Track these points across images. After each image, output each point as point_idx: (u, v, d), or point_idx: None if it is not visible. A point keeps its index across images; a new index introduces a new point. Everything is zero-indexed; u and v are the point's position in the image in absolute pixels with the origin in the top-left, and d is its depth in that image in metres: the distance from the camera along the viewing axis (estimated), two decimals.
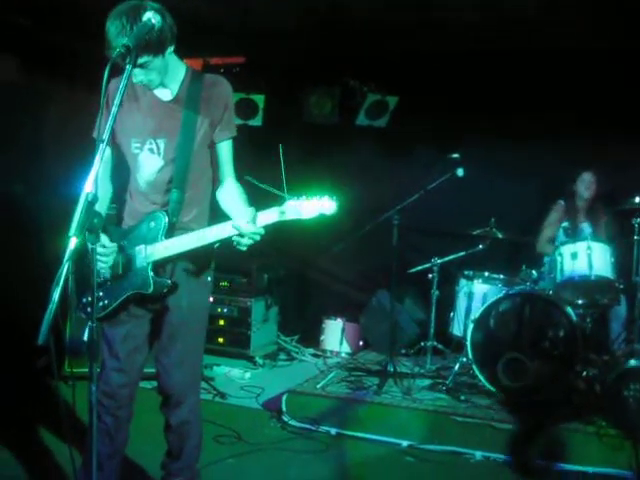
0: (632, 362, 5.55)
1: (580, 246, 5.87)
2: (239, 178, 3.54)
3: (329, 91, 7.89)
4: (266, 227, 3.10)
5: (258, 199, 3.39)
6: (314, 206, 3.04)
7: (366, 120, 7.82)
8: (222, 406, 6.03)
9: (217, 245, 3.35)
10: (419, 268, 6.75)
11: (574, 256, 5.84)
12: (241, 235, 3.07)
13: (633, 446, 5.02)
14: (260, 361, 7.37)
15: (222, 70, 7.58)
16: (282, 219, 3.06)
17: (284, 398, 5.80)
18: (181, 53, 3.36)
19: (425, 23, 6.59)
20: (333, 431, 5.48)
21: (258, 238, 3.08)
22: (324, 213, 3.06)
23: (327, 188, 3.15)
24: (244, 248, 3.11)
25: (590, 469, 5.00)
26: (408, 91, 7.63)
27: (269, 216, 3.08)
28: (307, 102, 7.93)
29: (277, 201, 3.10)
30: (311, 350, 7.81)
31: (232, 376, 6.93)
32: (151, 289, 3.30)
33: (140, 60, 2.99)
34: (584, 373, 5.87)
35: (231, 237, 3.13)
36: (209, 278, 3.56)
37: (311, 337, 7.88)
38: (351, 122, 7.86)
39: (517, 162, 7.32)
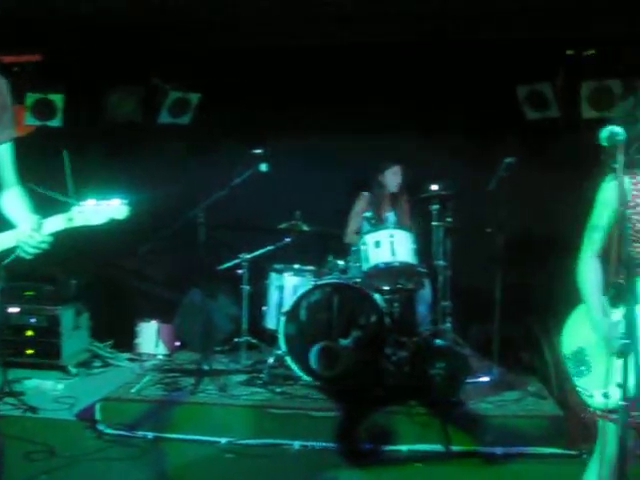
0: (437, 342, 5.85)
1: (383, 234, 6.06)
2: (29, 181, 3.36)
3: (131, 89, 7.72)
4: (55, 234, 2.96)
5: (49, 204, 3.25)
6: (103, 211, 2.92)
7: (169, 118, 7.70)
8: (34, 421, 5.76)
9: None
10: (228, 264, 6.74)
11: (377, 244, 6.02)
12: (26, 244, 2.93)
13: (441, 421, 5.28)
14: (73, 370, 7.12)
15: (16, 69, 7.26)
16: (70, 226, 2.92)
17: (98, 406, 5.63)
18: None
19: (225, 20, 6.58)
20: (150, 435, 5.39)
21: (45, 246, 2.94)
22: (115, 218, 2.95)
23: (125, 189, 3.06)
24: (29, 256, 2.96)
25: (404, 447, 5.23)
26: (211, 87, 7.58)
27: (55, 223, 2.92)
28: (109, 101, 7.71)
29: (69, 206, 2.97)
30: (127, 355, 7.62)
31: (44, 388, 6.64)
32: None
33: None
34: (394, 356, 6.08)
35: (16, 246, 2.98)
36: None
37: (126, 341, 7.66)
38: (154, 120, 7.73)
39: (321, 156, 7.46)
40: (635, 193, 2.98)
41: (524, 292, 6.64)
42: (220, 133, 7.60)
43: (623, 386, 2.41)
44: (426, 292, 6.87)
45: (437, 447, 5.18)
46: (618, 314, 2.51)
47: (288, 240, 6.65)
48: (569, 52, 7.15)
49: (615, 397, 2.89)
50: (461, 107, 7.45)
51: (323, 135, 7.45)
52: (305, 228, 6.56)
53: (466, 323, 7.15)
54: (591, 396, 3.02)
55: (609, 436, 3.05)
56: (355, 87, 7.36)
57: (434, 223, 6.37)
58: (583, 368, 3.08)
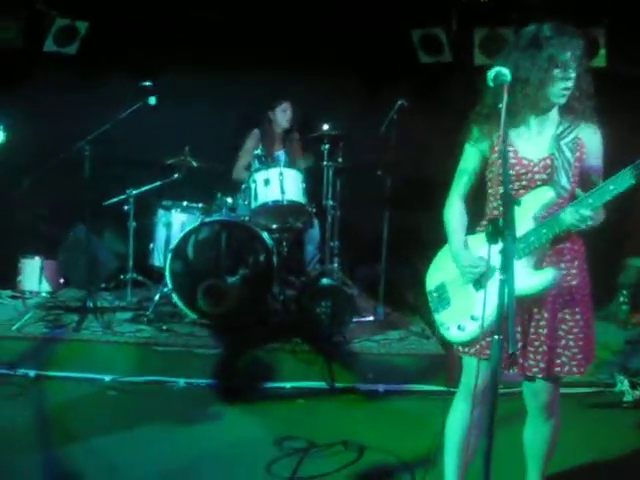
0: (324, 281, 5.94)
1: (272, 172, 6.03)
2: None
3: (13, 13, 7.33)
4: None
5: None
6: None
7: (54, 46, 7.38)
8: None
9: None
10: (114, 200, 6.59)
11: (267, 182, 5.99)
12: None
13: (325, 359, 5.36)
14: None
15: None
16: None
17: None
18: None
19: None
20: (32, 373, 5.23)
21: None
22: None
23: (5, 117, 2.93)
24: None
25: (288, 384, 5.26)
26: (100, 16, 7.31)
27: None
28: None
29: None
30: (9, 292, 7.35)
31: None
32: None
33: None
34: (281, 295, 6.13)
35: None
36: None
37: (8, 278, 7.38)
38: (39, 48, 7.39)
39: (212, 91, 7.38)
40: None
41: (411, 233, 6.76)
42: (108, 64, 7.36)
43: (498, 320, 2.47)
44: (315, 232, 6.93)
45: (321, 384, 5.23)
46: (490, 249, 2.59)
47: (176, 176, 6.54)
48: None
49: (469, 329, 3.01)
50: (355, 48, 7.43)
51: (214, 70, 7.33)
52: (194, 164, 6.45)
53: (354, 263, 7.26)
54: (448, 329, 3.11)
55: (469, 369, 3.16)
56: (246, 22, 7.26)
57: (324, 163, 6.39)
58: (443, 303, 3.16)
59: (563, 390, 3.18)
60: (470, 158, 3.20)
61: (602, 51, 6.94)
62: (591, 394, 5.17)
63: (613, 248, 6.98)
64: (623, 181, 2.77)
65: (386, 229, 6.31)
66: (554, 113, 3.06)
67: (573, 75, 2.92)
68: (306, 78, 7.35)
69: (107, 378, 5.22)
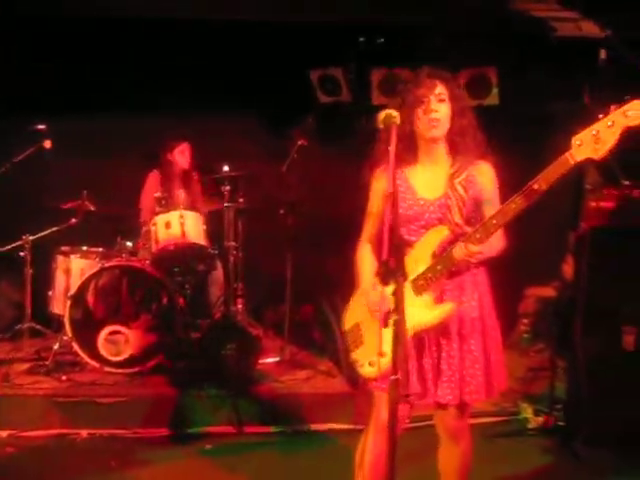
0: (228, 323, 5.89)
1: (173, 215, 6.03)
2: None
3: None
4: None
5: None
6: None
7: None
8: None
9: None
10: (10, 246, 6.41)
11: (167, 226, 5.99)
12: None
13: (232, 402, 5.30)
14: None
15: None
16: None
17: None
18: None
19: None
20: None
21: None
22: None
23: None
24: None
25: (195, 429, 5.20)
26: None
27: None
28: None
29: None
30: None
31: None
32: None
33: None
34: (186, 338, 6.06)
35: None
36: None
37: None
38: None
39: (111, 133, 7.21)
40: (399, 182, 3.14)
41: (315, 273, 6.78)
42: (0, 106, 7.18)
43: (395, 360, 2.54)
44: (218, 273, 6.87)
45: (228, 428, 5.19)
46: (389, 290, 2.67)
47: (74, 221, 6.40)
48: (361, 39, 7.35)
49: (377, 365, 3.07)
50: (255, 88, 7.45)
51: (111, 111, 7.18)
52: (92, 208, 6.34)
53: (258, 304, 7.24)
54: (362, 366, 3.23)
55: (379, 402, 3.24)
56: (143, 62, 7.17)
57: (225, 204, 6.41)
58: (357, 341, 3.28)
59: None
60: (374, 200, 3.33)
61: (494, 90, 7.17)
62: (496, 423, 5.24)
63: (512, 277, 7.16)
64: (504, 215, 2.92)
65: (290, 269, 6.31)
66: (442, 152, 3.22)
67: (435, 108, 3.10)
68: (206, 119, 7.30)
69: (4, 434, 5.05)
